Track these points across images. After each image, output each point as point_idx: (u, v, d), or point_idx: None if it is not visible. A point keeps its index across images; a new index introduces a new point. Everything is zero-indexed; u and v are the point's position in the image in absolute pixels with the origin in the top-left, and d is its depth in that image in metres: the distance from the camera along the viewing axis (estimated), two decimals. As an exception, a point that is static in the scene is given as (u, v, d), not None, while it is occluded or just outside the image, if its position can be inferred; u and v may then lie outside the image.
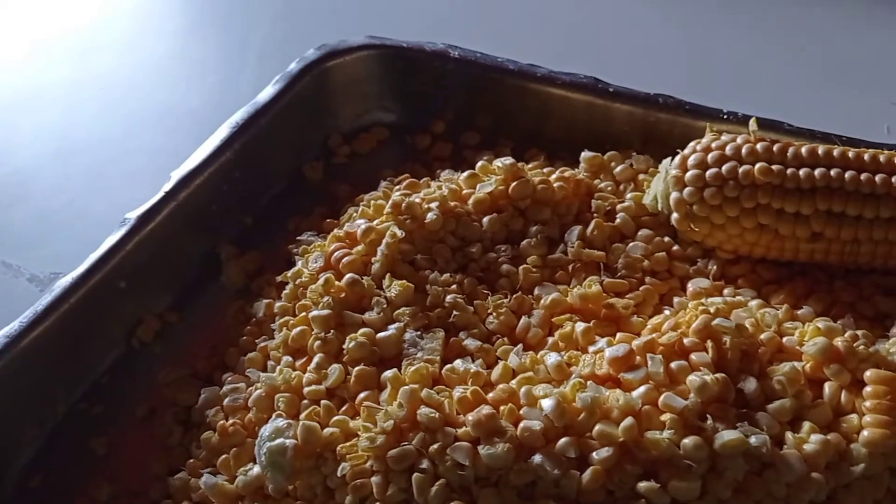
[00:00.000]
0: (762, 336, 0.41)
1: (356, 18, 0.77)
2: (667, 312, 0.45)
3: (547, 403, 0.37)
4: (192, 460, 0.43)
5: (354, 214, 0.52)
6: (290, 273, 0.48)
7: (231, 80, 0.74)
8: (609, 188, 0.52)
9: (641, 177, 0.53)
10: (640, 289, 0.46)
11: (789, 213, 0.44)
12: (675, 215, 0.47)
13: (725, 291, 0.46)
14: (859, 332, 0.40)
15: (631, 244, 0.49)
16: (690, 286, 0.47)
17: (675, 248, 0.49)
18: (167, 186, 0.52)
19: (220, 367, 0.48)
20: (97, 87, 0.74)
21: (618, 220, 0.50)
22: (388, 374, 0.41)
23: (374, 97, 0.63)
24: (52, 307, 0.46)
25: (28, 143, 0.69)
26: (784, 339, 0.40)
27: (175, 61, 0.77)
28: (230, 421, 0.42)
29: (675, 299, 0.46)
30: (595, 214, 0.50)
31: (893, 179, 0.43)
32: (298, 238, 0.52)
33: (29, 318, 0.45)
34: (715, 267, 0.47)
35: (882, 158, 0.44)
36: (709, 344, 0.39)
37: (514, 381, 0.40)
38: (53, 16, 0.82)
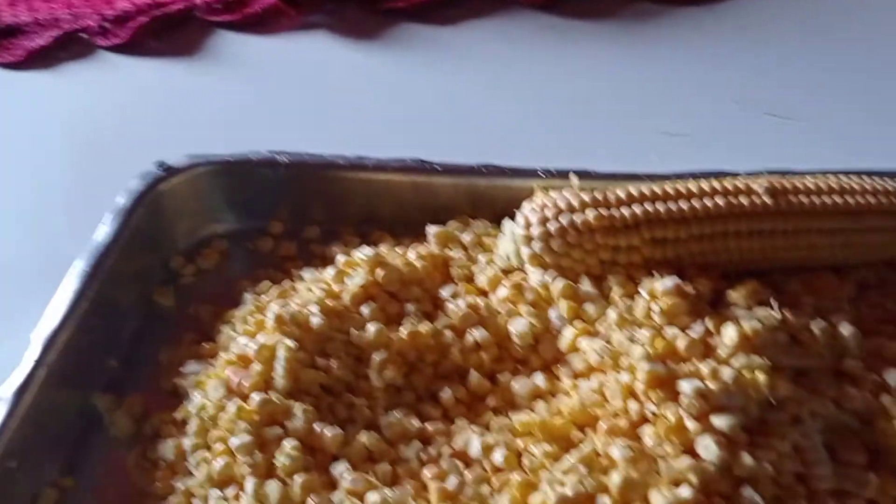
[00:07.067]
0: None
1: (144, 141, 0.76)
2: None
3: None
4: None
5: (233, 334, 0.53)
6: (192, 408, 0.48)
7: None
8: (462, 256, 0.58)
9: (486, 240, 0.59)
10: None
11: (623, 247, 0.52)
12: (528, 267, 0.54)
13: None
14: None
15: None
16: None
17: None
18: (34, 353, 0.50)
19: (140, 520, 0.47)
20: None
21: (481, 283, 0.55)
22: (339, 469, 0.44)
23: (205, 212, 0.64)
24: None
25: None
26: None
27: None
28: (182, 571, 0.42)
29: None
30: (457, 281, 0.56)
31: (695, 203, 0.52)
32: (182, 370, 0.52)
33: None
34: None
35: (682, 188, 0.53)
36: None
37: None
38: None
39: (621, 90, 0.79)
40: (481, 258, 0.57)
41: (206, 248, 0.63)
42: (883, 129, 0.73)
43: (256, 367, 0.49)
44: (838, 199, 0.51)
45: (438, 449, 0.47)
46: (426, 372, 0.51)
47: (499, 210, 0.61)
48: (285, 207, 0.65)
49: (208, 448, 0.47)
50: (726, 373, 0.44)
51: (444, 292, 0.54)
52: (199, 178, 0.62)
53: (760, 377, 0.44)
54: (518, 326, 0.51)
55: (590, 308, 0.51)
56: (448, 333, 0.52)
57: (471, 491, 0.44)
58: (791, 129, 0.75)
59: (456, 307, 0.53)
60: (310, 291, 0.54)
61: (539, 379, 0.50)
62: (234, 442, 0.45)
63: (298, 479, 0.44)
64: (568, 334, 0.50)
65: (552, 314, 0.51)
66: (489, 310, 0.53)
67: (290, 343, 0.49)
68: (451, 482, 0.44)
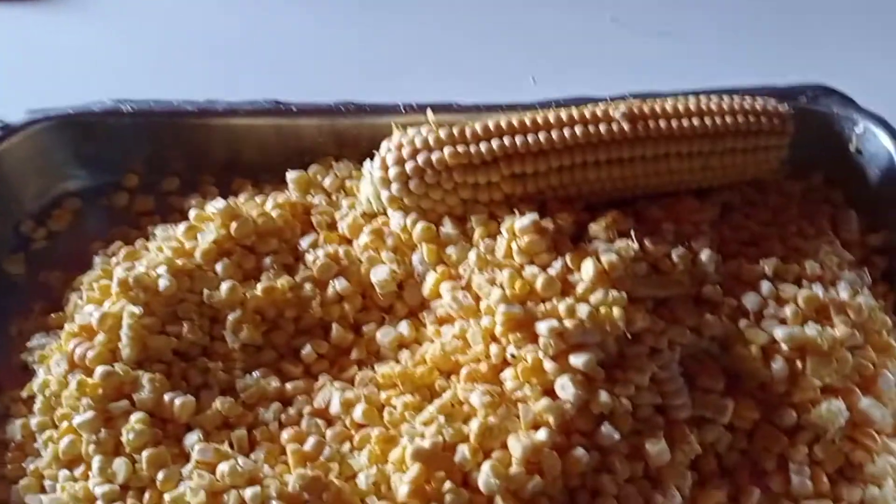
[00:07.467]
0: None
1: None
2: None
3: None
4: None
5: (79, 302, 0.50)
6: (35, 386, 0.46)
7: None
8: (324, 201, 0.55)
9: (349, 183, 0.56)
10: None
11: (483, 184, 0.50)
12: (389, 210, 0.51)
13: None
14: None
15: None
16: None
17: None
18: None
19: (-8, 506, 0.45)
20: None
21: (343, 229, 0.53)
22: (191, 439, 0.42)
23: (53, 170, 0.60)
24: None
25: None
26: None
27: None
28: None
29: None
30: (318, 229, 0.53)
31: (553, 134, 0.50)
32: (29, 345, 0.49)
33: None
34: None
35: (539, 119, 0.51)
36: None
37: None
38: None
39: (494, 14, 0.76)
40: (344, 203, 0.55)
41: (58, 209, 0.59)
42: (761, 46, 0.73)
43: (100, 337, 0.46)
44: (696, 122, 0.50)
45: (299, 409, 0.45)
46: (287, 328, 0.49)
47: (364, 150, 0.58)
48: (140, 159, 0.61)
49: (55, 427, 0.44)
50: (583, 310, 0.44)
51: (305, 242, 0.52)
52: (40, 135, 0.58)
53: (616, 312, 0.44)
54: (379, 274, 0.49)
55: (452, 251, 0.49)
56: (308, 286, 0.50)
57: (330, 450, 0.43)
58: (670, 46, 0.73)
59: (315, 258, 0.50)
60: (160, 251, 0.51)
61: (403, 327, 0.48)
62: (77, 419, 0.43)
63: (145, 454, 0.42)
64: (430, 280, 0.48)
65: (415, 259, 0.50)
66: (350, 258, 0.51)
67: (134, 309, 0.46)
68: (309, 443, 0.43)
